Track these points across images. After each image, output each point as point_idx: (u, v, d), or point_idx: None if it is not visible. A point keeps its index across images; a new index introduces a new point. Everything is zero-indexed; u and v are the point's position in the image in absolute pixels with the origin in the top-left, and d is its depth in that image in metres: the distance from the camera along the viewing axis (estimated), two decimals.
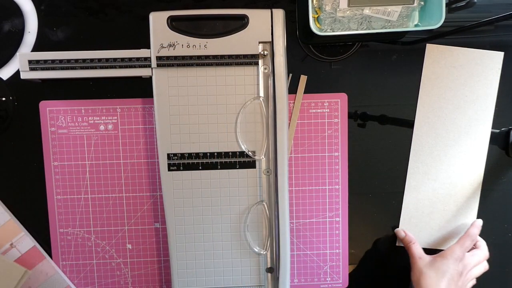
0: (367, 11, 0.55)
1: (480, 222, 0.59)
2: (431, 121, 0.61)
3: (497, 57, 0.60)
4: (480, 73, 0.61)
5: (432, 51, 0.60)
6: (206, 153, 0.58)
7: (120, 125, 0.60)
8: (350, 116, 0.62)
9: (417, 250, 0.57)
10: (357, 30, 0.56)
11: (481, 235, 0.60)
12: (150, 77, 0.56)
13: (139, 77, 0.57)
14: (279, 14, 0.55)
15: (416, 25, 0.56)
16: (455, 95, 0.61)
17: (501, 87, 0.62)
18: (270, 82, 0.56)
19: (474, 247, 0.59)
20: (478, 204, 0.62)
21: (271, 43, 0.55)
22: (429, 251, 0.59)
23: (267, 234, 0.59)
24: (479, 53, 0.60)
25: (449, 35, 0.60)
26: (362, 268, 0.63)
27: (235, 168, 0.58)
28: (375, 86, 0.62)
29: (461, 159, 0.61)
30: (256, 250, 0.59)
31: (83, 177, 0.60)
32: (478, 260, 0.57)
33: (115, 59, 0.56)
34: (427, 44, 0.60)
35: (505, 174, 0.63)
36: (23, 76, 0.56)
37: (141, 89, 0.59)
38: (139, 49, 0.56)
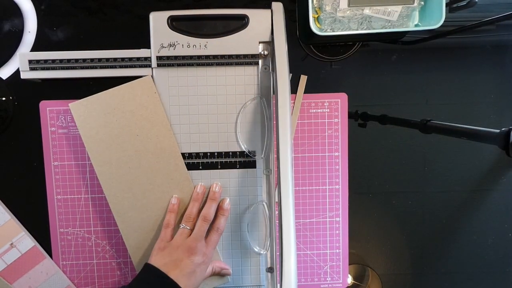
0: (367, 11, 0.55)
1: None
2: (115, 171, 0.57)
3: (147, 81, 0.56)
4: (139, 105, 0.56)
5: (78, 109, 0.56)
6: (206, 153, 0.58)
7: None
8: (350, 116, 0.62)
9: None
10: (357, 30, 0.56)
11: (481, 235, 0.60)
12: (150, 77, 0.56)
13: (139, 77, 0.57)
14: (278, 8, 0.54)
15: (416, 25, 0.56)
16: (127, 136, 0.56)
17: (501, 87, 0.62)
18: (272, 78, 0.56)
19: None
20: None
21: (271, 42, 0.55)
22: None
23: (267, 234, 0.59)
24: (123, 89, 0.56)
25: (449, 35, 0.60)
26: None
27: (235, 168, 0.58)
28: (375, 86, 0.62)
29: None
30: (256, 250, 0.59)
31: (83, 177, 0.60)
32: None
33: (115, 59, 0.56)
34: (70, 105, 0.56)
35: (505, 174, 0.63)
36: (23, 76, 0.56)
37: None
38: (139, 49, 0.56)
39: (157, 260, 0.51)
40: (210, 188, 0.57)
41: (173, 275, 0.50)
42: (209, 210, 0.55)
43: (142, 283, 0.51)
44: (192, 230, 0.54)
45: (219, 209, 0.56)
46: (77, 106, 0.55)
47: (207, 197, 0.57)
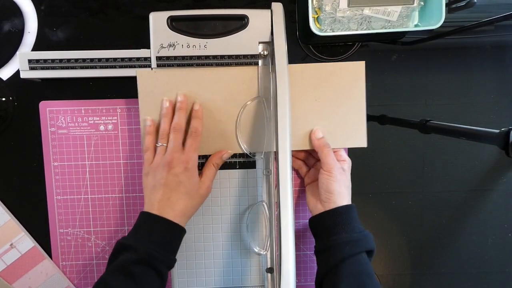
0: (367, 11, 0.55)
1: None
2: None
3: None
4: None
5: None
6: (207, 154, 0.58)
7: (120, 125, 0.60)
8: None
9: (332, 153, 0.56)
10: (357, 30, 0.56)
11: (481, 235, 0.60)
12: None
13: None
14: (278, 8, 0.54)
15: (416, 25, 0.56)
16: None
17: (501, 87, 0.62)
18: (272, 78, 0.56)
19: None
20: None
21: (271, 43, 0.55)
22: None
23: (267, 234, 0.59)
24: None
25: (449, 35, 0.60)
26: None
27: (235, 168, 0.58)
28: (375, 86, 0.62)
29: None
30: (256, 250, 0.59)
31: (83, 177, 0.60)
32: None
33: (115, 59, 0.56)
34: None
35: (505, 174, 0.63)
36: (23, 75, 0.56)
37: None
38: (139, 49, 0.56)
39: (146, 188, 0.52)
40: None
41: (162, 200, 0.50)
42: (178, 119, 0.54)
43: (136, 229, 0.50)
44: None
45: (190, 112, 0.55)
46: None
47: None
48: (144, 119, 0.55)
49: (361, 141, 0.58)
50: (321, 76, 0.57)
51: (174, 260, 0.50)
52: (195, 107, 0.55)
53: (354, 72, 0.57)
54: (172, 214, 0.50)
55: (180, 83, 0.56)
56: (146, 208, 0.51)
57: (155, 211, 0.50)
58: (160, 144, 0.53)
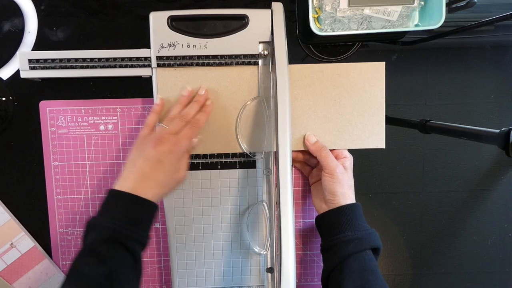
0: (367, 11, 0.55)
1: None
2: None
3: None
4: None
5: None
6: (206, 153, 0.58)
7: (120, 125, 0.60)
8: None
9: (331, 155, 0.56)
10: (357, 30, 0.56)
11: (481, 235, 0.60)
12: (150, 77, 0.56)
13: (139, 77, 0.57)
14: (278, 8, 0.54)
15: (416, 25, 0.56)
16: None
17: (501, 87, 0.62)
18: (272, 78, 0.56)
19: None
20: None
21: (271, 43, 0.55)
22: None
23: (267, 234, 0.59)
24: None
25: (449, 35, 0.60)
26: None
27: (235, 168, 0.58)
28: None
29: None
30: (256, 250, 0.59)
31: (83, 177, 0.60)
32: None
33: (115, 59, 0.56)
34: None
35: (505, 174, 0.63)
36: (23, 75, 0.56)
37: (141, 89, 0.59)
38: (139, 49, 0.56)
39: (128, 161, 0.50)
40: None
41: (138, 173, 0.48)
42: (189, 110, 0.54)
43: (103, 207, 0.48)
44: None
45: (201, 107, 0.55)
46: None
47: None
48: (156, 97, 0.56)
49: (380, 142, 0.58)
50: (340, 77, 0.57)
51: (146, 237, 0.48)
52: (207, 103, 0.56)
53: (374, 73, 0.58)
54: (143, 189, 0.48)
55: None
56: (118, 183, 0.49)
57: (126, 184, 0.48)
58: (162, 124, 0.53)
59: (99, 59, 0.56)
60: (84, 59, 0.55)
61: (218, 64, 0.56)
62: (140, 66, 0.56)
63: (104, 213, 0.47)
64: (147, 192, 0.47)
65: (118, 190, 0.48)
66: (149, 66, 0.56)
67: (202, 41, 0.55)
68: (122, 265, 0.45)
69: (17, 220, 0.60)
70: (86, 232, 0.46)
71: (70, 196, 0.60)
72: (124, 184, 0.48)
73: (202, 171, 0.58)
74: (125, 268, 0.45)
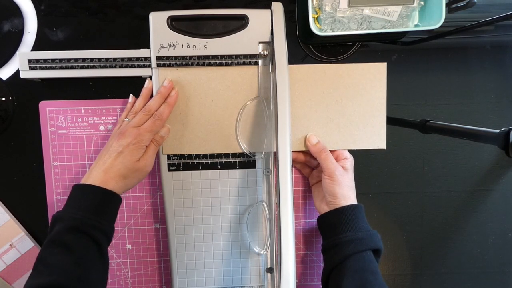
0: (367, 11, 0.55)
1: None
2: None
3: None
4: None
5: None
6: (206, 153, 0.58)
7: None
8: None
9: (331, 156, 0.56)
10: (357, 30, 0.56)
11: (481, 235, 0.60)
12: (150, 77, 0.56)
13: (139, 77, 0.57)
14: (278, 8, 0.54)
15: (416, 25, 0.56)
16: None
17: (501, 87, 0.62)
18: (272, 78, 0.56)
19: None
20: None
21: (271, 43, 0.55)
22: None
23: (267, 234, 0.59)
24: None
25: (449, 35, 0.60)
26: None
27: (235, 168, 0.58)
28: None
29: None
30: (256, 250, 0.59)
31: (83, 178, 0.60)
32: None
33: (115, 59, 0.56)
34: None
35: (505, 174, 0.63)
36: (22, 75, 0.56)
37: (141, 89, 0.59)
38: (139, 49, 0.56)
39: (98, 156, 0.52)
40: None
41: (101, 166, 0.50)
42: (152, 102, 0.54)
43: (67, 201, 0.50)
44: None
45: (165, 99, 0.55)
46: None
47: None
48: (130, 96, 0.57)
49: (381, 143, 0.59)
50: (342, 77, 0.57)
51: (111, 227, 0.49)
52: (171, 93, 0.55)
53: (375, 73, 0.58)
54: (105, 181, 0.49)
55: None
56: (83, 179, 0.50)
57: (89, 178, 0.49)
58: (127, 120, 0.54)
59: (99, 59, 0.56)
60: (84, 59, 0.56)
61: (218, 64, 0.56)
62: (140, 66, 0.56)
63: (67, 206, 0.49)
64: (108, 183, 0.49)
65: (81, 184, 0.49)
66: (149, 66, 0.56)
67: (202, 41, 0.55)
68: (87, 253, 0.46)
69: (17, 220, 0.60)
70: (51, 226, 0.48)
71: None
72: (87, 178, 0.50)
73: (202, 171, 0.58)
74: (90, 256, 0.46)
